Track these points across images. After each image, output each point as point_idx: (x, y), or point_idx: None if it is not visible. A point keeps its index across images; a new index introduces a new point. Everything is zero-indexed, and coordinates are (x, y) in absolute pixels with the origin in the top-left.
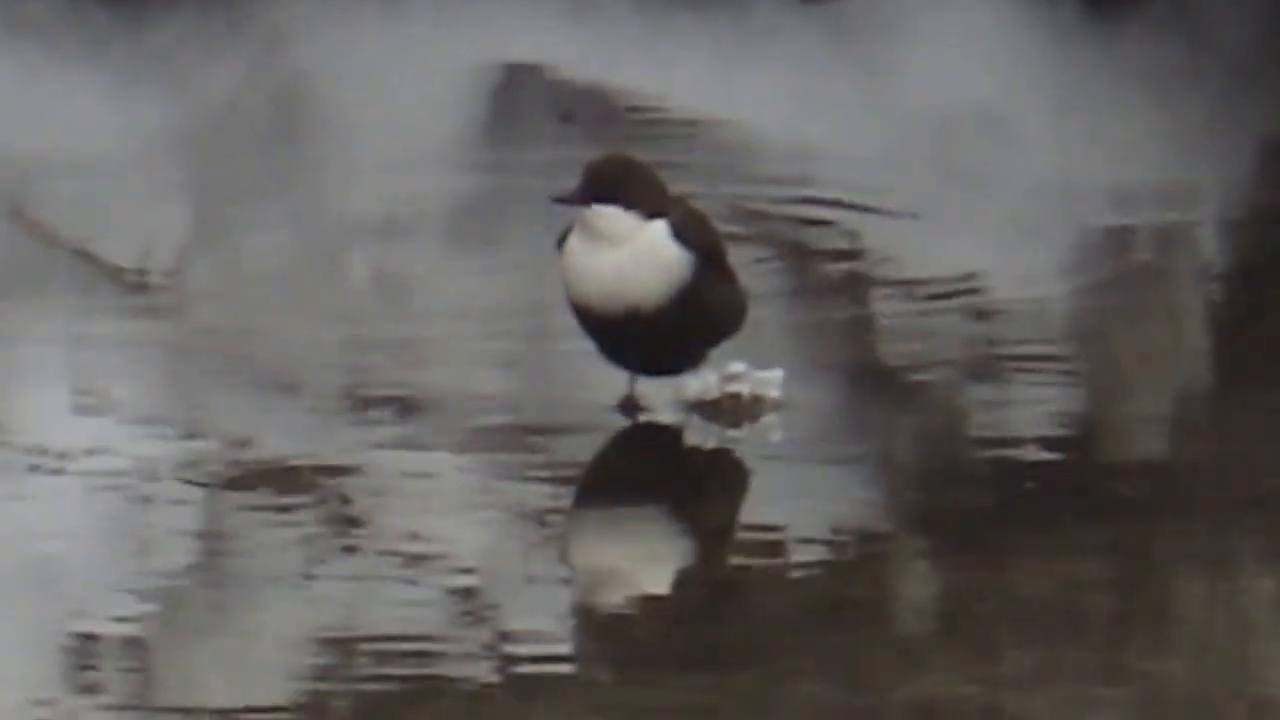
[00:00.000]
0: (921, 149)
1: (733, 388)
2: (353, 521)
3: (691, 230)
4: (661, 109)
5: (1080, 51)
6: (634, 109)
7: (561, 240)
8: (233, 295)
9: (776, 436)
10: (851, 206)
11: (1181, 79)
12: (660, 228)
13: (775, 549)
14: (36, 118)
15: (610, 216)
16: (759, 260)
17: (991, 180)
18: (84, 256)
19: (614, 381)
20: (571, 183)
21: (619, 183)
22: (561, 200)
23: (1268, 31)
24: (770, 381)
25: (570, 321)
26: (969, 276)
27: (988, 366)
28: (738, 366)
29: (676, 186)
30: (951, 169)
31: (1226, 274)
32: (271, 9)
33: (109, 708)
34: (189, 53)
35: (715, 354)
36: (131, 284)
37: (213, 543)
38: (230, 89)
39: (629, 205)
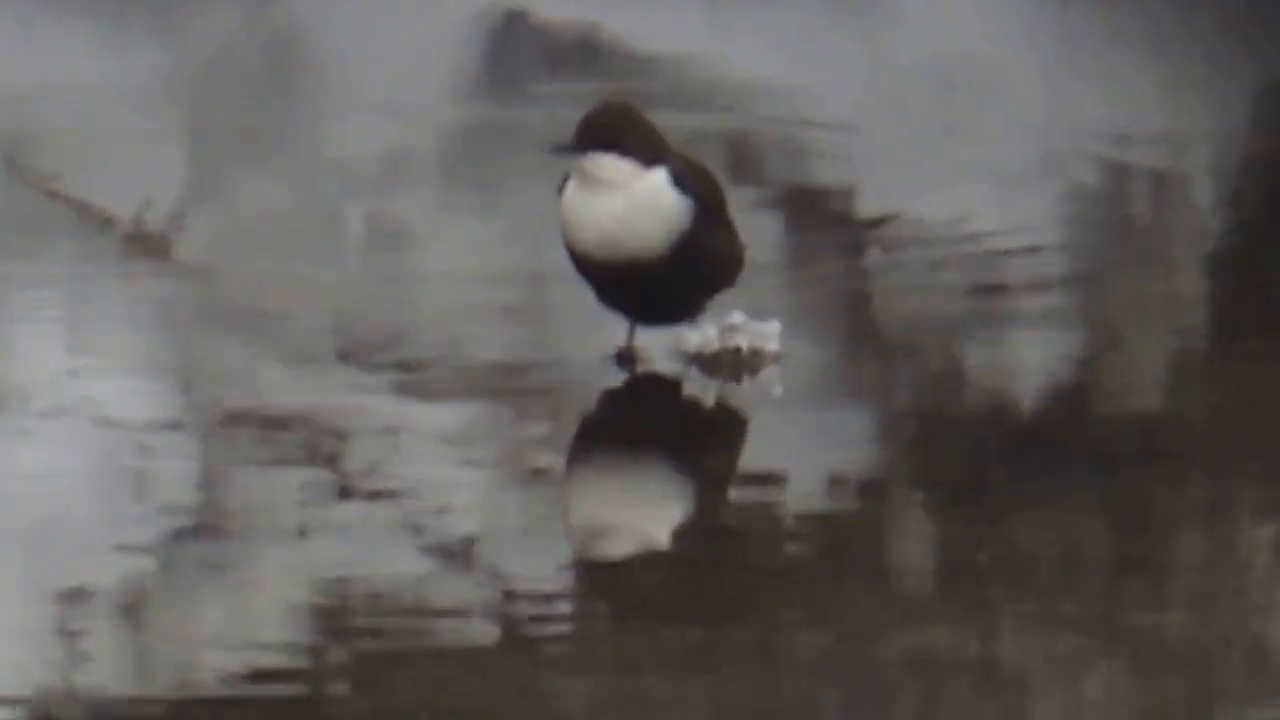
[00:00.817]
0: (917, 97)
1: (732, 341)
2: (348, 473)
3: (691, 178)
4: (655, 54)
5: (1074, 3)
6: (626, 59)
7: (561, 188)
8: (228, 243)
9: (776, 390)
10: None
11: (1175, 28)
12: (659, 175)
13: (773, 501)
14: (33, 66)
15: (607, 164)
16: (755, 206)
17: (987, 129)
18: (79, 204)
19: (612, 332)
20: (567, 131)
21: (616, 130)
22: (558, 151)
23: None
24: (769, 334)
25: (569, 270)
26: (965, 225)
27: (984, 317)
28: (737, 318)
29: (669, 132)
30: (947, 117)
31: (1221, 222)
32: None
33: (101, 659)
34: (185, 1)
35: (714, 305)
36: (127, 232)
37: (207, 494)
38: (226, 37)
39: (626, 152)
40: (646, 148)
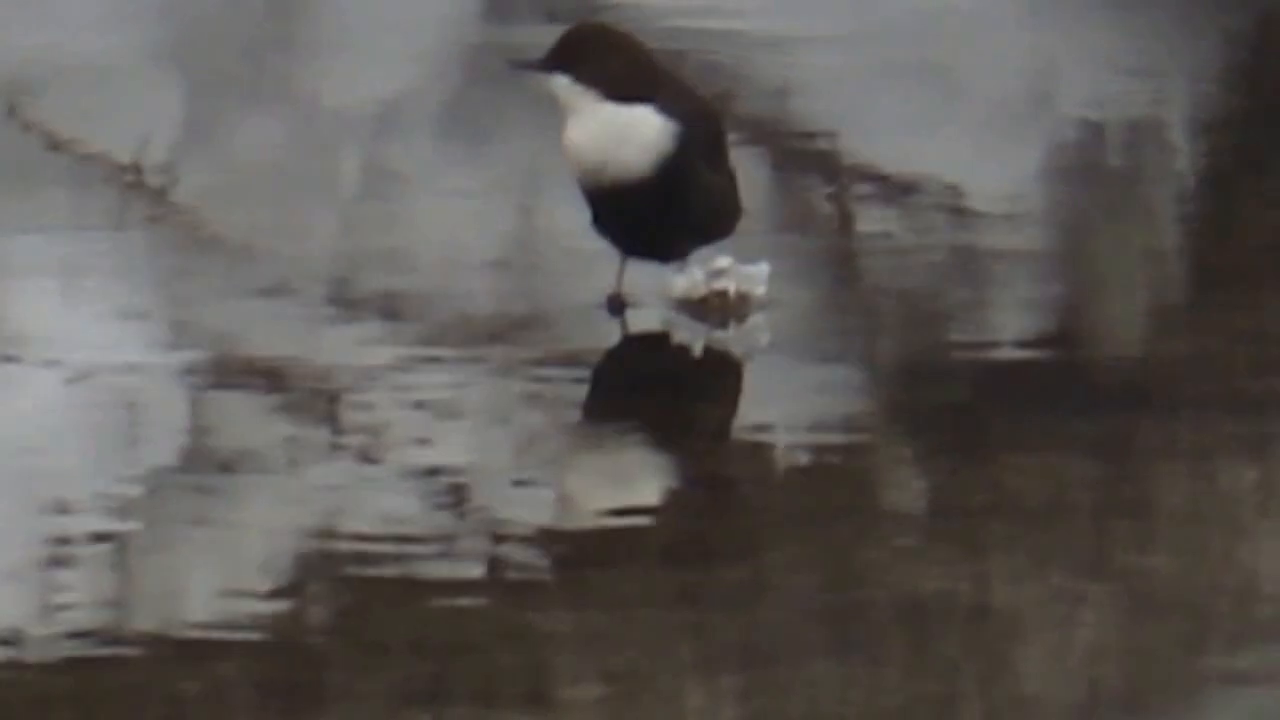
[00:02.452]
0: (899, 52)
1: (719, 284)
2: (339, 422)
3: (682, 106)
4: (645, 9)
5: None
6: (620, 9)
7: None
8: (225, 194)
9: (763, 337)
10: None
11: None
12: (642, 108)
13: (764, 446)
14: (31, 18)
15: (562, 87)
16: (744, 153)
17: (967, 83)
18: (77, 154)
19: (602, 279)
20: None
21: (580, 54)
22: (518, 66)
23: None
24: (756, 277)
25: (560, 220)
26: (947, 174)
27: (968, 264)
28: (723, 261)
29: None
30: (928, 72)
31: (1199, 174)
32: None
33: (89, 604)
34: None
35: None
36: (125, 182)
37: (198, 442)
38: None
39: (580, 78)
40: (613, 75)
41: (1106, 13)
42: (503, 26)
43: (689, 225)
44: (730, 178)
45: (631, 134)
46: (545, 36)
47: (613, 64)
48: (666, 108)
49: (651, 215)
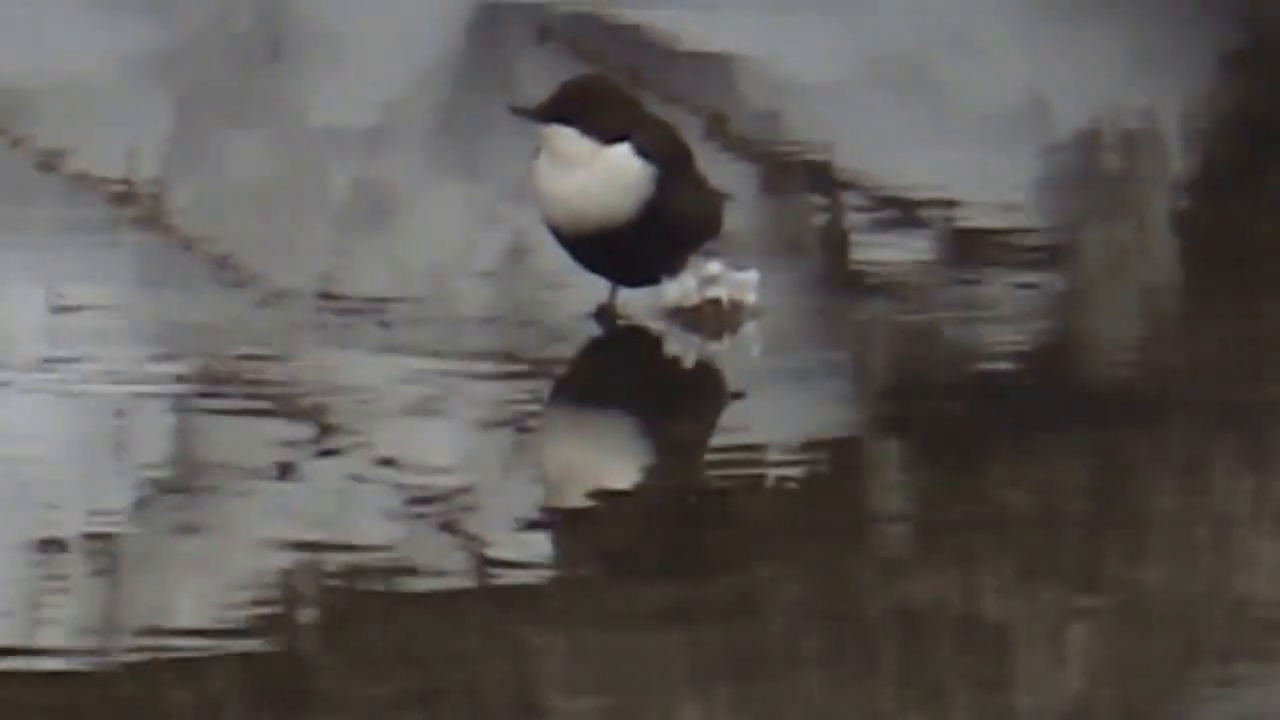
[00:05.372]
0: (892, 66)
1: (711, 292)
2: (328, 428)
3: (655, 144)
4: (640, 28)
5: None
6: (613, 27)
7: (534, 158)
8: (216, 208)
9: (755, 349)
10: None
11: None
12: (622, 150)
13: (755, 457)
14: (23, 35)
15: (566, 138)
16: (736, 167)
17: (961, 95)
18: (67, 169)
19: (592, 290)
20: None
21: (582, 105)
22: (518, 111)
23: None
24: (747, 284)
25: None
26: (941, 186)
27: (961, 276)
28: (714, 267)
29: (651, 103)
30: (922, 85)
31: (1192, 184)
32: None
33: (77, 613)
34: None
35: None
36: (115, 196)
37: (188, 453)
38: (217, 6)
39: (587, 129)
40: (612, 123)
41: (1100, 25)
42: (493, 42)
43: (673, 251)
44: (703, 184)
45: (615, 181)
46: (535, 55)
47: (610, 114)
48: (643, 148)
49: (634, 253)
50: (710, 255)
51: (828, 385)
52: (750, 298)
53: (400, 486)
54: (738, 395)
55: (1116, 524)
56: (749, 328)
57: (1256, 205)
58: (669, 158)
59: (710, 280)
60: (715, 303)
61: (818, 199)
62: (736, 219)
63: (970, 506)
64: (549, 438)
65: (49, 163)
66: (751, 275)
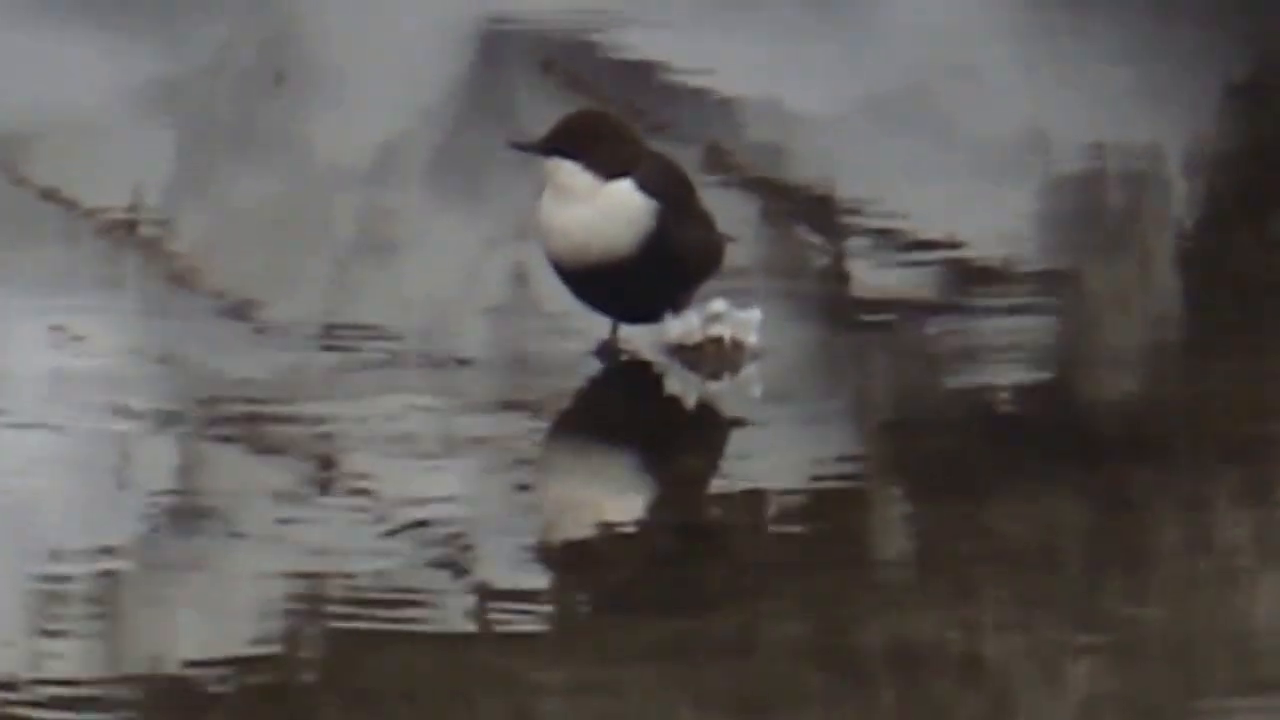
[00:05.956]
0: (894, 100)
1: (714, 330)
2: (329, 464)
3: (657, 180)
4: (641, 62)
5: (1050, 4)
6: (615, 61)
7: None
8: (219, 243)
9: (756, 389)
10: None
11: (1148, 33)
12: (624, 185)
13: (755, 492)
14: (28, 69)
15: (568, 172)
16: (737, 201)
17: (964, 130)
18: (70, 205)
19: (594, 327)
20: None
21: (582, 139)
22: (518, 146)
23: None
24: (749, 324)
25: (550, 270)
26: (943, 222)
27: (963, 311)
28: (718, 306)
29: (653, 141)
30: (924, 119)
31: (1196, 219)
32: None
33: (77, 650)
34: (181, 5)
35: (696, 294)
36: (118, 233)
37: (189, 489)
38: (222, 42)
39: (588, 164)
40: (613, 158)
41: (1104, 57)
42: (495, 74)
43: (675, 287)
44: (705, 221)
45: (617, 215)
46: (537, 87)
47: (611, 148)
48: (645, 183)
49: (636, 289)
50: (713, 294)
51: (828, 420)
52: (752, 337)
53: (400, 522)
54: (738, 423)
55: (1118, 560)
56: (750, 367)
57: (1261, 239)
58: (671, 192)
59: (713, 319)
60: (717, 341)
61: (819, 232)
62: (738, 255)
63: (971, 542)
64: (549, 474)
65: (51, 196)
66: (754, 315)
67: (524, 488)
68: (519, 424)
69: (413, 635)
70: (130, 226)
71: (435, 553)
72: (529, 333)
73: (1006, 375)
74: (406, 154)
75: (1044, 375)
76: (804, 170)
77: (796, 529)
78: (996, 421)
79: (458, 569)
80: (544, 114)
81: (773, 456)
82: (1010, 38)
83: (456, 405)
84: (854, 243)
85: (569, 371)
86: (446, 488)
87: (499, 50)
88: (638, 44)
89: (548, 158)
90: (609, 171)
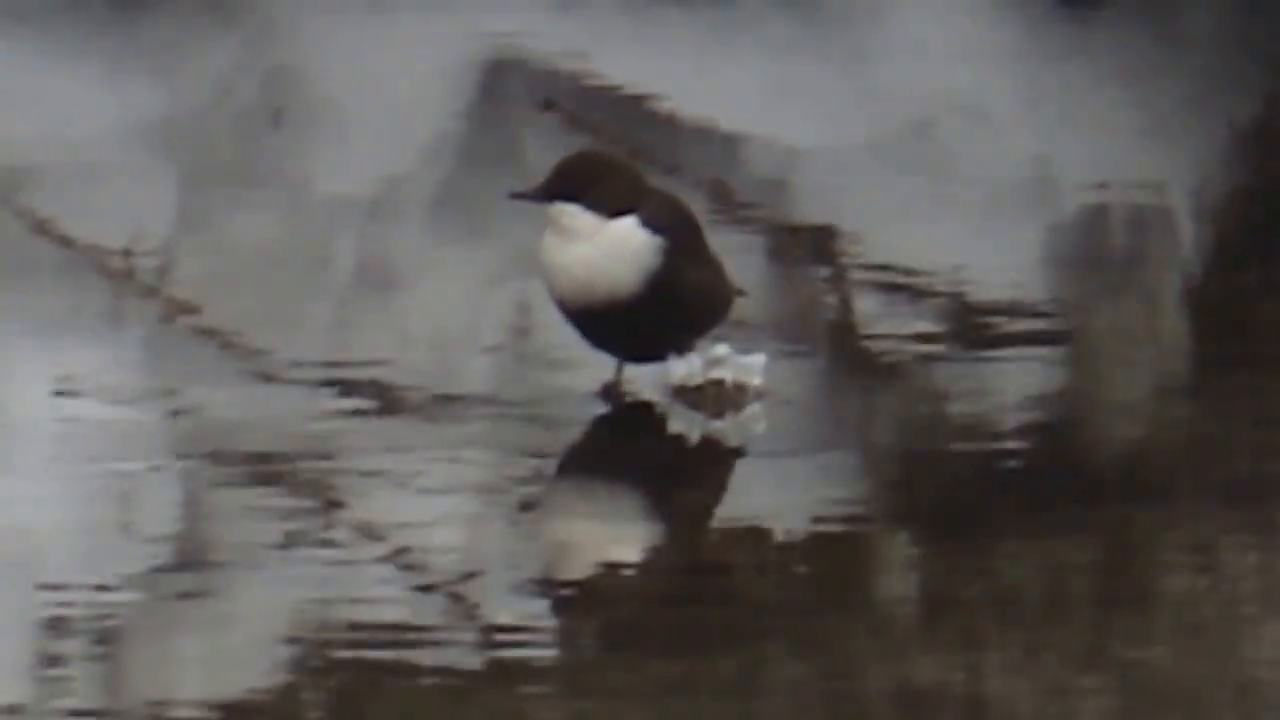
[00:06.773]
0: (898, 136)
1: (716, 374)
2: (332, 505)
3: (663, 218)
4: (643, 98)
5: (1054, 40)
6: (616, 98)
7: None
8: (219, 281)
9: (759, 428)
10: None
11: (1153, 67)
12: (628, 222)
13: (758, 534)
14: (29, 105)
15: (570, 214)
16: (740, 240)
17: (968, 167)
18: (70, 243)
19: (598, 367)
20: (544, 176)
21: (582, 181)
22: (519, 196)
23: (1236, 21)
24: (753, 368)
25: (554, 309)
26: (947, 262)
27: (967, 352)
28: (721, 350)
29: (655, 174)
30: (928, 156)
31: (1202, 258)
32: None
33: (80, 691)
34: (181, 42)
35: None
36: (118, 269)
37: (191, 530)
38: (221, 77)
39: (590, 204)
40: (615, 197)
41: (1110, 97)
42: (495, 113)
43: (681, 328)
44: (714, 266)
45: (621, 252)
46: (538, 126)
47: (612, 187)
48: (649, 220)
49: (642, 328)
50: (718, 338)
51: (832, 463)
52: (756, 380)
53: (404, 561)
54: (741, 460)
55: (1122, 603)
56: (753, 408)
57: (1268, 280)
58: (676, 230)
59: (716, 362)
60: (719, 384)
61: (822, 273)
62: (744, 293)
63: (976, 585)
64: (553, 513)
65: (50, 234)
66: (758, 359)
67: (528, 527)
68: (522, 463)
69: (416, 673)
70: (130, 264)
71: (438, 593)
72: (532, 371)
73: (1010, 416)
74: (406, 191)
75: (1048, 416)
76: (807, 207)
77: (799, 571)
78: (1000, 462)
79: (462, 608)
80: (545, 152)
81: (776, 496)
82: (1016, 76)
83: (460, 444)
84: (858, 283)
85: (573, 410)
86: (450, 526)
87: (499, 87)
88: (636, 75)
89: (550, 204)
90: (611, 210)
